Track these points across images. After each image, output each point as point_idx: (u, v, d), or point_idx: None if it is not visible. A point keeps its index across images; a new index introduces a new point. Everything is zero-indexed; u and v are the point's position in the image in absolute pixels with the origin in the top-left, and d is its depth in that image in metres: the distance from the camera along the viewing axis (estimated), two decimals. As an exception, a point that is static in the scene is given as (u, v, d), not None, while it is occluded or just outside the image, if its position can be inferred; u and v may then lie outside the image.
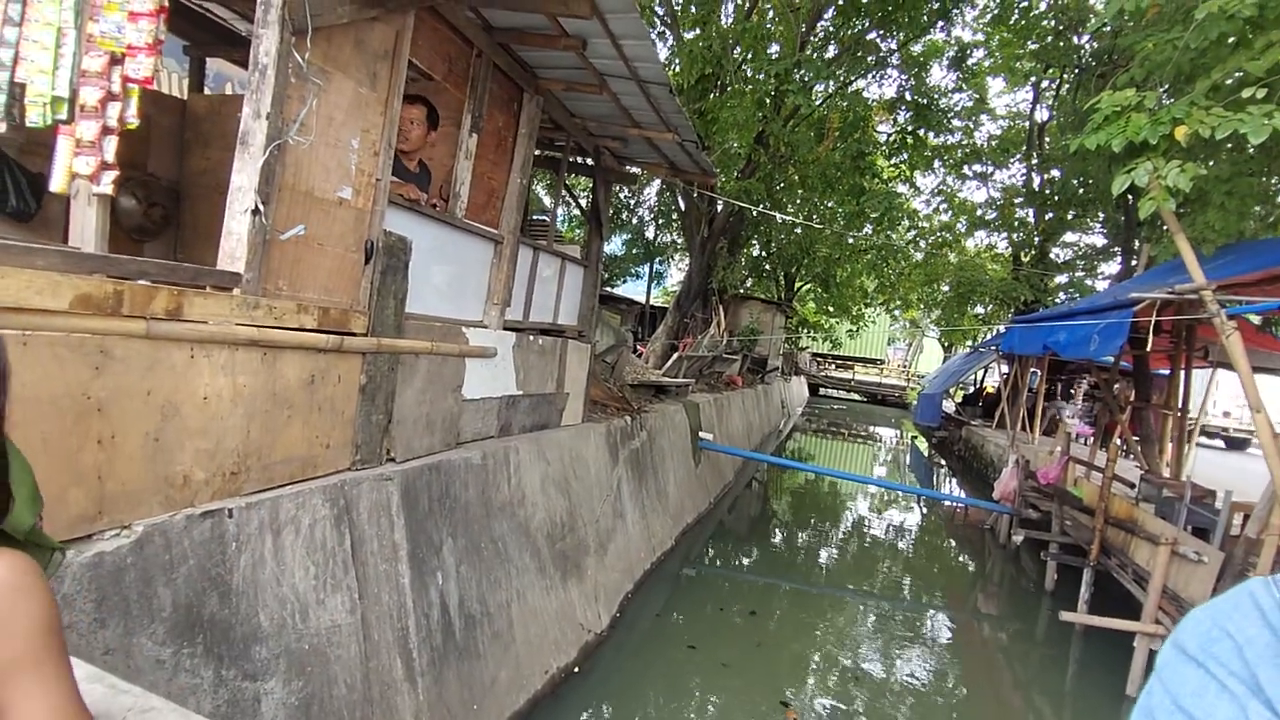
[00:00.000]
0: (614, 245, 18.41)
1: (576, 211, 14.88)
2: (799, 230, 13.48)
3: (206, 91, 4.37)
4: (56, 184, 2.39)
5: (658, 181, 14.25)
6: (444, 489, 3.58)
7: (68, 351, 1.79)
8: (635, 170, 6.06)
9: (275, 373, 2.47)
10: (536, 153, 5.74)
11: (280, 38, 2.25)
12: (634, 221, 17.32)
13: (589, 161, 5.60)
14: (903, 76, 12.68)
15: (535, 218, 8.32)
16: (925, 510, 11.83)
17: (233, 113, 3.43)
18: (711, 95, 10.36)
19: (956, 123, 14.29)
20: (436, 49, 3.22)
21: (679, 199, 13.03)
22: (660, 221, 17.40)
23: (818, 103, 11.65)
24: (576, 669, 4.39)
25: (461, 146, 3.53)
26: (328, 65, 2.52)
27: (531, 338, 4.59)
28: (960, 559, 9.48)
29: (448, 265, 3.62)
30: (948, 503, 12.66)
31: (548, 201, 11.58)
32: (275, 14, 2.23)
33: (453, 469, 3.67)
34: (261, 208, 2.31)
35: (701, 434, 9.38)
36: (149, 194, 3.40)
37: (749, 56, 10.25)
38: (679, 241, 17.97)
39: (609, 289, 18.52)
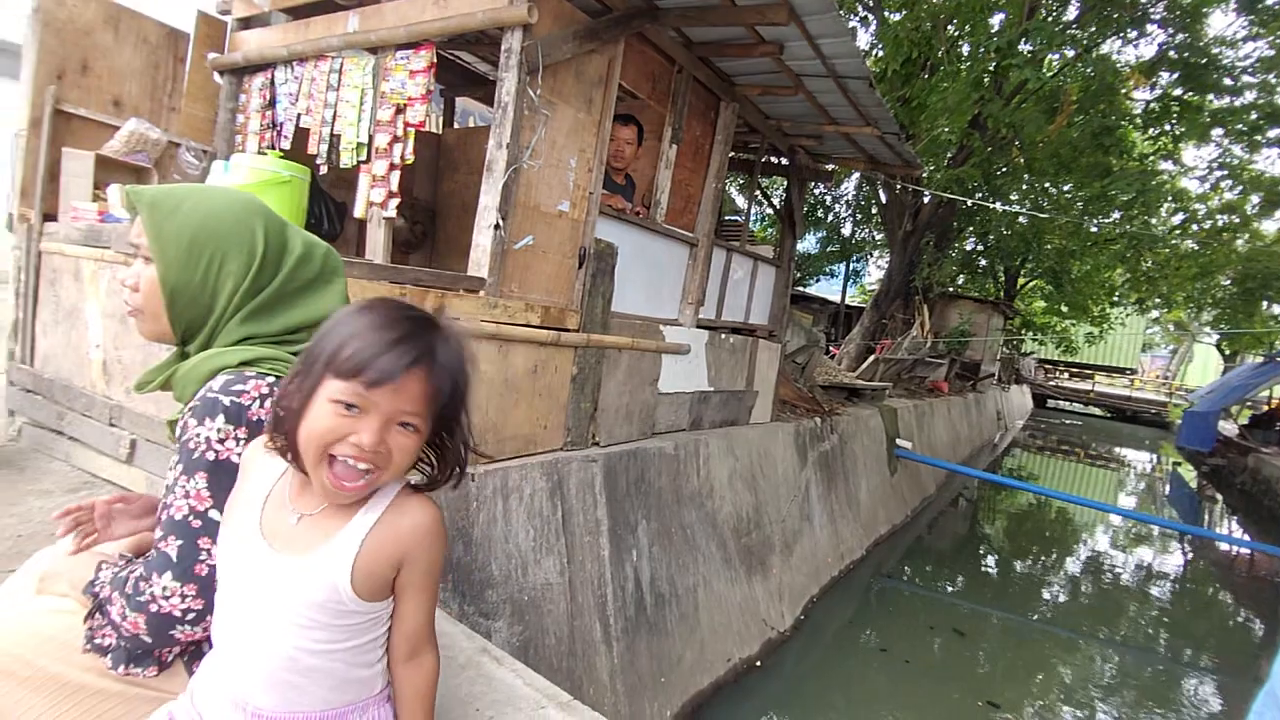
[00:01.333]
0: (808, 243, 17.94)
1: (770, 211, 14.79)
2: (1023, 220, 11.97)
3: (455, 125, 5.19)
4: (358, 211, 3.07)
5: (856, 175, 13.63)
6: (640, 474, 3.88)
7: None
8: (831, 167, 5.93)
9: (508, 362, 2.92)
10: (731, 155, 5.90)
11: (518, 79, 2.66)
12: (830, 218, 16.72)
13: (783, 161, 5.61)
14: (1167, 31, 10.63)
15: (728, 219, 8.51)
16: (1189, 552, 9.84)
17: (475, 143, 4.05)
18: (918, 80, 9.66)
19: (1248, 79, 11.58)
20: (642, 70, 3.51)
21: (880, 192, 12.34)
22: (859, 217, 16.57)
23: (1049, 75, 10.26)
24: (759, 663, 4.46)
25: (662, 157, 3.80)
26: (553, 97, 2.91)
27: (723, 336, 4.75)
28: (1241, 616, 7.75)
29: (648, 267, 3.92)
30: (1224, 545, 10.38)
31: (741, 202, 11.69)
32: (514, 59, 2.65)
33: (648, 456, 3.96)
34: (501, 223, 2.75)
35: (899, 441, 8.83)
36: (414, 214, 4.16)
37: (966, 30, 9.35)
38: (878, 237, 16.97)
39: (801, 288, 18.10)
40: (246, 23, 3.61)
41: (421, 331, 0.82)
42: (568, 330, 3.21)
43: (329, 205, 3.84)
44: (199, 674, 0.87)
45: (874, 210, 14.96)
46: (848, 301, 18.97)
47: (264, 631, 0.83)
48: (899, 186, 10.01)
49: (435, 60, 2.87)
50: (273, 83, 3.45)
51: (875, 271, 20.49)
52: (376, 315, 0.82)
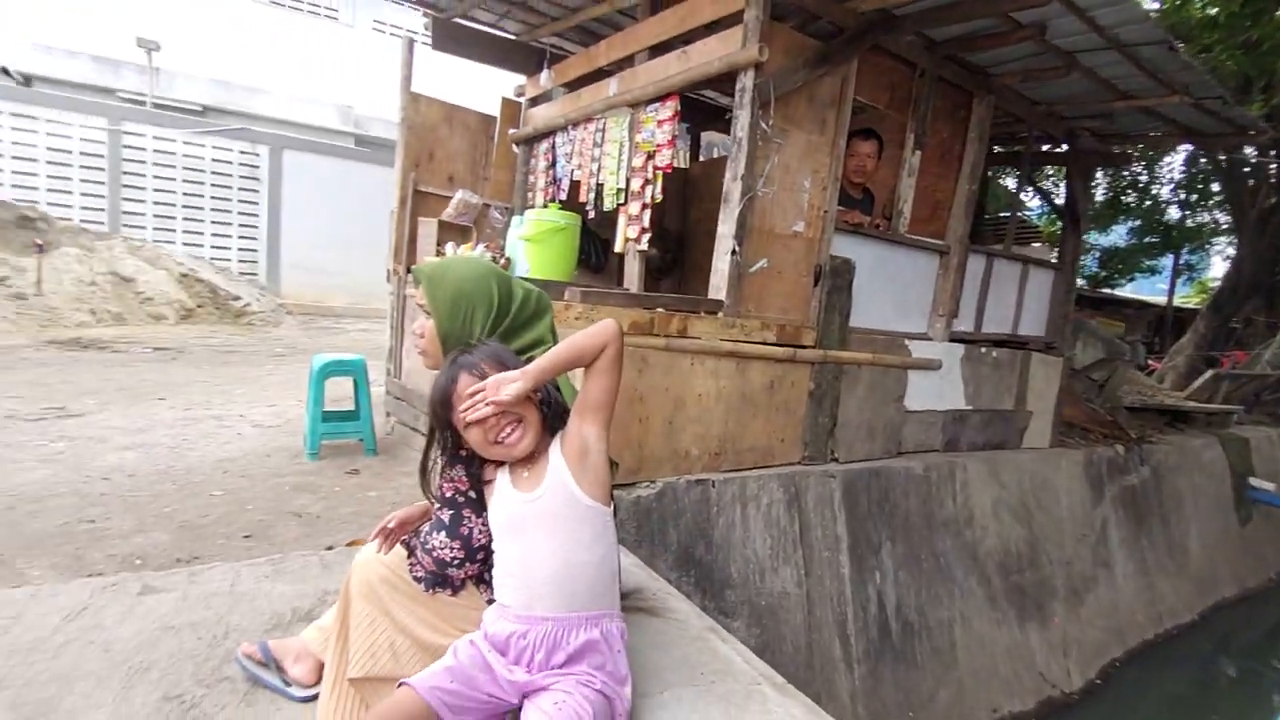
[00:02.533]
0: (1114, 235, 14.93)
1: (1051, 205, 12.68)
2: None
3: (701, 158, 5.60)
4: (618, 246, 3.56)
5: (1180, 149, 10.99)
6: (883, 493, 3.74)
7: (626, 360, 2.71)
8: (1126, 149, 4.99)
9: (745, 378, 3.11)
10: (997, 148, 5.33)
11: (751, 114, 2.86)
12: (1145, 203, 13.67)
13: (1061, 149, 4.90)
14: None
15: (998, 215, 7.57)
16: None
17: (718, 174, 4.34)
18: (1271, 17, 7.52)
19: None
20: (878, 81, 3.45)
21: (1221, 162, 9.79)
22: (1189, 197, 13.27)
23: None
24: (1034, 721, 3.91)
25: (904, 165, 3.66)
26: (786, 124, 3.05)
27: (983, 350, 4.32)
28: None
29: (890, 281, 3.78)
30: None
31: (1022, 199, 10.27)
32: (747, 97, 2.85)
33: (893, 476, 3.79)
34: (737, 249, 2.97)
35: (1255, 482, 6.87)
36: (665, 243, 4.61)
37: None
38: (1221, 220, 13.41)
39: (1108, 289, 15.10)
40: (535, 101, 4.43)
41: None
42: (804, 347, 3.29)
43: (597, 243, 4.47)
44: (488, 616, 1.22)
45: (1212, 186, 11.89)
46: (1176, 303, 15.29)
47: (539, 551, 1.18)
48: (1254, 159, 7.87)
49: (679, 108, 3.22)
50: (554, 146, 4.18)
51: (1220, 265, 16.16)
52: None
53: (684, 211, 4.74)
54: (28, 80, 11.07)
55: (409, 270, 4.34)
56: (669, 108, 3.23)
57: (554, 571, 1.18)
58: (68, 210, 10.50)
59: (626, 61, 3.61)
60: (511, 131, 4.51)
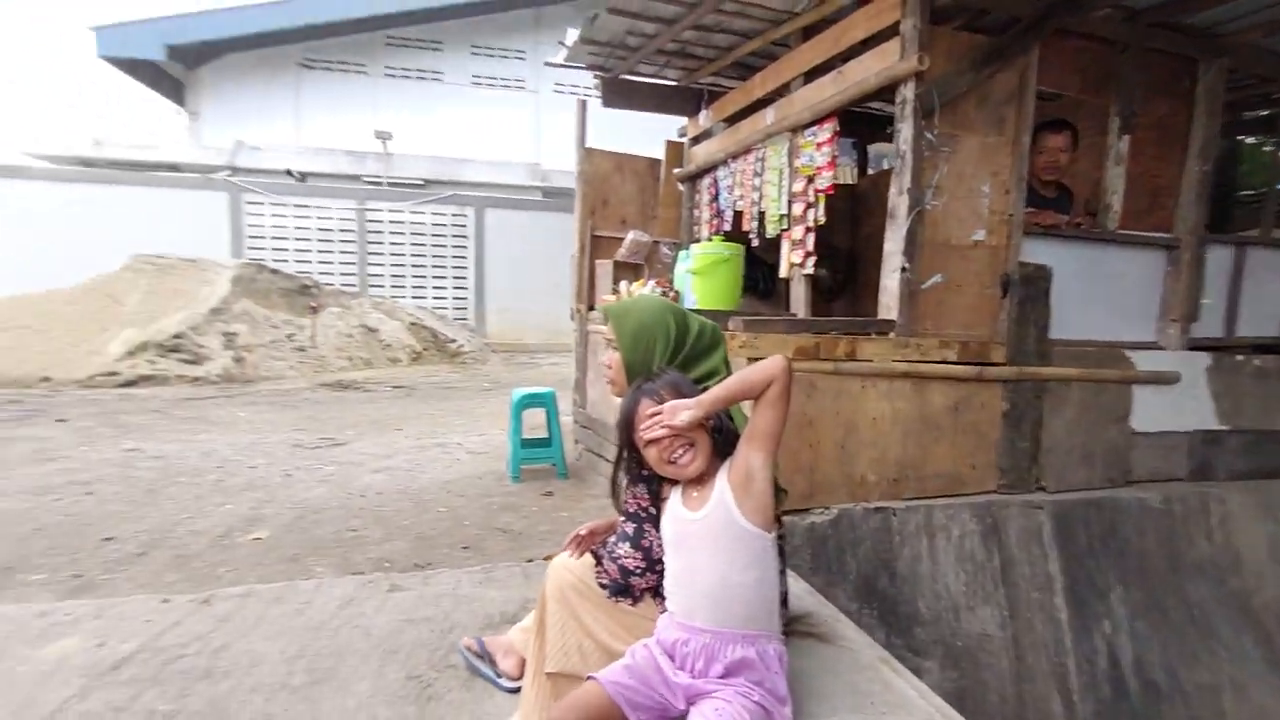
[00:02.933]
0: None
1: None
2: None
3: (869, 171, 5.41)
4: (783, 272, 3.59)
5: None
6: (1108, 529, 3.26)
7: (794, 385, 2.73)
8: None
9: (923, 399, 2.94)
10: (1246, 114, 4.46)
11: (914, 126, 2.76)
12: None
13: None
14: None
15: (1259, 190, 6.19)
16: None
17: (886, 187, 4.20)
18: None
19: None
20: (1065, 66, 3.11)
21: None
22: None
23: None
24: (1354, 826, 3.07)
25: (1109, 153, 3.23)
26: (955, 130, 2.88)
27: (1240, 358, 3.60)
28: None
29: (1100, 285, 3.34)
30: None
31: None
32: (909, 108, 2.76)
33: (1121, 508, 3.29)
34: (907, 266, 2.85)
35: None
36: (834, 263, 4.52)
37: None
38: None
39: None
40: (697, 139, 4.65)
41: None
42: (992, 364, 3.03)
43: (764, 270, 4.53)
44: (660, 623, 1.34)
45: None
46: None
47: (700, 566, 1.29)
48: None
49: (838, 129, 3.20)
50: (716, 180, 4.34)
51: None
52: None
53: (854, 229, 4.62)
54: (302, 177, 13.96)
55: (591, 309, 4.75)
56: (827, 129, 3.23)
57: (711, 586, 1.27)
58: (330, 277, 12.98)
59: (782, 90, 3.67)
60: (676, 171, 4.76)
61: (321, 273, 12.93)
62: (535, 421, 4.52)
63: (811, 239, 3.36)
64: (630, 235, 4.66)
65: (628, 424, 1.38)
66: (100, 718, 1.58)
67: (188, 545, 2.80)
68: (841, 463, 2.84)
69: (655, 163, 4.92)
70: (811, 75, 3.39)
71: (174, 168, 13.39)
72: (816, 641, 1.77)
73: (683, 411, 1.27)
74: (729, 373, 1.54)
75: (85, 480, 3.73)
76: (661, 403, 1.33)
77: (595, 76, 4.79)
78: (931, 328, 3.00)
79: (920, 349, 2.90)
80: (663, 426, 1.29)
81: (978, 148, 2.95)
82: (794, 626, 1.81)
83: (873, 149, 5.51)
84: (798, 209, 3.43)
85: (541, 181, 15.32)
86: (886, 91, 2.95)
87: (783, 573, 1.49)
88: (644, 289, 3.98)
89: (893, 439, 2.92)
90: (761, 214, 3.77)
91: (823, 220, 3.30)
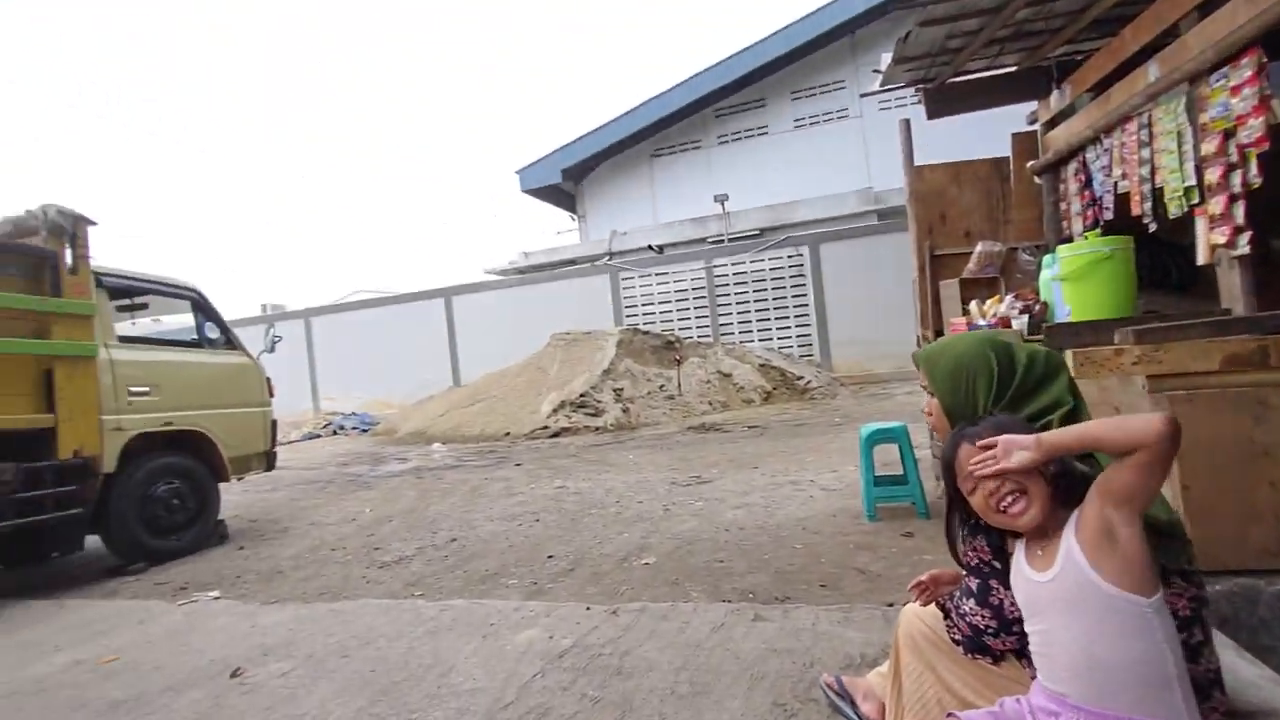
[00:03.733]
0: None
1: None
2: None
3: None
4: (1200, 258, 2.81)
5: None
6: None
7: (1224, 404, 2.10)
8: None
9: None
10: None
11: None
12: None
13: None
14: None
15: None
16: None
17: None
18: None
19: None
20: None
21: None
22: None
23: None
24: None
25: None
26: None
27: None
28: None
29: None
30: None
31: None
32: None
33: None
34: None
35: None
36: (1296, 234, 3.31)
37: None
38: None
39: None
40: (1051, 123, 3.99)
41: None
42: None
43: (1176, 258, 3.60)
44: (1033, 690, 1.18)
45: None
46: None
47: (1059, 636, 1.10)
48: None
49: (1263, 61, 2.42)
50: (1084, 164, 3.64)
51: None
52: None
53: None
54: (660, 249, 16.23)
55: (939, 334, 4.40)
56: (1245, 67, 2.47)
57: (1073, 659, 1.08)
58: (688, 330, 14.64)
59: (1166, 35, 2.94)
60: (1030, 164, 4.15)
61: (681, 328, 14.69)
62: (890, 457, 4.34)
63: (1241, 209, 2.57)
64: (979, 247, 4.22)
65: (947, 470, 1.29)
66: (553, 692, 2.10)
67: (600, 565, 3.50)
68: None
69: (999, 162, 4.38)
70: (1207, 7, 2.66)
71: (571, 262, 17.03)
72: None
73: (1017, 451, 1.12)
74: (1076, 404, 1.31)
75: (534, 510, 4.96)
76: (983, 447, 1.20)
77: (917, 90, 4.55)
78: None
79: None
80: (989, 470, 1.16)
81: None
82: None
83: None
84: (1213, 175, 2.67)
85: (875, 205, 14.80)
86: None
87: (1203, 644, 1.17)
88: (999, 307, 3.54)
89: None
90: (1156, 191, 3.03)
91: (1257, 182, 2.50)
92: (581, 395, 10.64)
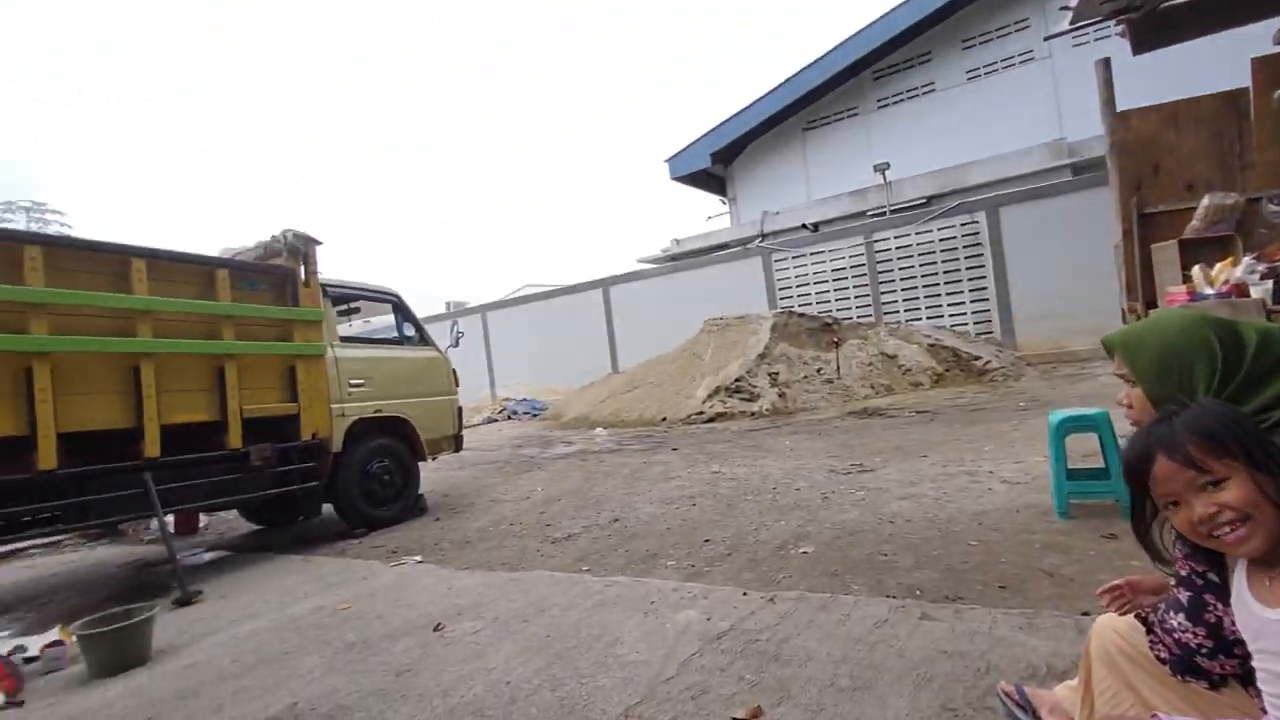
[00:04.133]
0: None
1: None
2: None
3: None
4: None
5: None
6: None
7: None
8: None
9: None
10: None
11: None
12: None
13: None
14: None
15: None
16: None
17: None
18: None
19: None
20: None
21: None
22: None
23: None
24: None
25: None
26: None
27: None
28: None
29: None
30: None
31: None
32: None
33: None
34: None
35: None
36: None
37: None
38: None
39: None
40: (1311, 40, 3.23)
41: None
42: None
43: None
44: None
45: None
46: None
47: None
48: None
49: None
50: (1360, 87, 2.92)
51: None
52: None
53: None
54: (815, 227, 15.58)
55: (1150, 306, 3.80)
56: None
57: None
58: (847, 311, 13.94)
59: None
60: (1277, 94, 3.41)
61: (839, 308, 14.04)
62: (1088, 447, 3.85)
63: None
64: (1205, 201, 3.57)
65: (1133, 476, 1.09)
66: (710, 671, 2.18)
67: (756, 551, 3.51)
68: None
69: (1233, 96, 3.64)
70: None
71: (723, 246, 16.95)
72: None
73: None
74: None
75: (691, 494, 5.08)
76: (1187, 462, 0.97)
77: (1118, 21, 3.92)
78: None
79: None
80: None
81: None
82: None
83: None
84: None
85: (1069, 158, 12.98)
86: None
87: None
88: (1234, 271, 2.97)
89: None
90: None
91: None
92: (736, 380, 10.61)
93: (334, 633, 3.02)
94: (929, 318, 13.24)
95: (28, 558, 5.81)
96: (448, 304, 22.37)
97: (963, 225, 12.92)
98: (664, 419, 10.45)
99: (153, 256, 4.04)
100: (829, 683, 2.01)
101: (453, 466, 8.22)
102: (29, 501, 3.50)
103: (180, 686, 2.64)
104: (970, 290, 12.93)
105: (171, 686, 2.66)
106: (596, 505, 5.11)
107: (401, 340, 5.99)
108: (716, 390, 10.55)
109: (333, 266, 5.14)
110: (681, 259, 17.55)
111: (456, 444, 6.30)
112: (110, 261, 3.89)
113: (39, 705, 2.66)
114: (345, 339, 5.48)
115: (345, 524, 5.19)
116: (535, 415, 14.55)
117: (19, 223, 14.83)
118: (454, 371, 6.31)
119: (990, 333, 12.62)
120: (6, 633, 3.50)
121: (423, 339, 6.12)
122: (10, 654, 2.98)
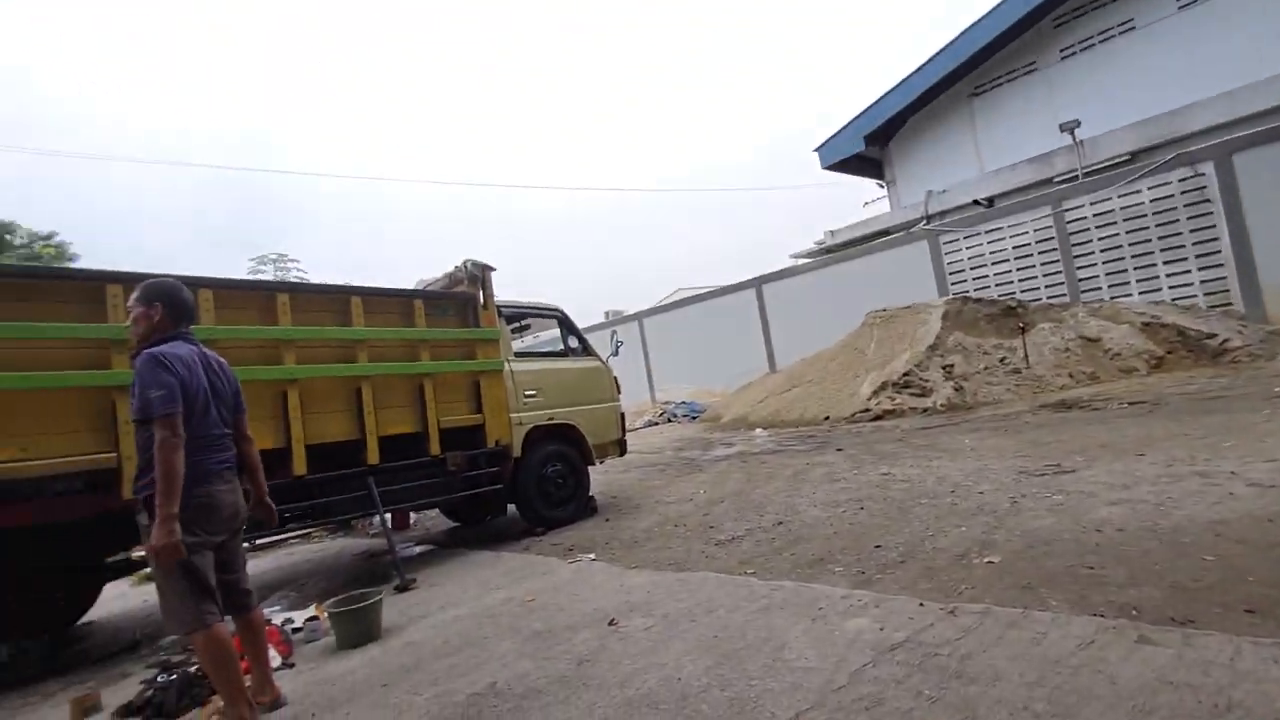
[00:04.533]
0: None
1: None
2: None
3: None
4: None
5: None
6: None
7: None
8: None
9: None
10: None
11: None
12: None
13: None
14: None
15: None
16: None
17: None
18: None
19: None
20: None
21: None
22: None
23: None
24: None
25: None
26: None
27: None
28: None
29: None
30: None
31: None
32: None
33: None
34: None
35: None
36: None
37: None
38: None
39: None
40: None
41: None
42: None
43: None
44: None
45: None
46: None
47: None
48: None
49: None
50: None
51: None
52: None
53: None
54: (990, 202, 14.10)
55: None
56: None
57: None
58: (1035, 292, 12.43)
59: None
60: None
61: (1025, 290, 12.59)
62: (1369, 443, 3.10)
63: None
64: None
65: None
66: (885, 683, 2.10)
67: (933, 559, 3.28)
68: None
69: None
70: None
71: (884, 233, 15.95)
72: None
73: None
74: None
75: (858, 498, 4.87)
76: None
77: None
78: None
79: None
80: None
81: None
82: None
83: None
84: None
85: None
86: None
87: None
88: None
89: None
90: None
91: None
92: (905, 374, 9.94)
93: (523, 621, 3.33)
94: (1142, 292, 11.38)
95: (288, 548, 7.08)
96: (606, 313, 23.45)
97: (1182, 181, 10.95)
98: (826, 417, 10.08)
99: (367, 294, 4.76)
100: (1022, 706, 1.85)
101: (619, 470, 8.62)
102: (289, 501, 4.28)
103: (404, 661, 3.09)
104: (1197, 256, 10.90)
105: (397, 660, 3.12)
106: (759, 507, 5.09)
107: (567, 352, 6.42)
108: (883, 386, 9.96)
109: (506, 288, 5.67)
110: (837, 250, 16.79)
111: (621, 448, 6.61)
112: (335, 300, 4.64)
113: (305, 668, 3.26)
114: (519, 354, 6.00)
115: (526, 523, 5.68)
116: (694, 418, 14.74)
117: (268, 273, 18.08)
118: (616, 379, 6.64)
119: (1228, 304, 10.55)
120: (276, 608, 4.31)
121: (586, 350, 6.51)
122: (282, 625, 3.69)
